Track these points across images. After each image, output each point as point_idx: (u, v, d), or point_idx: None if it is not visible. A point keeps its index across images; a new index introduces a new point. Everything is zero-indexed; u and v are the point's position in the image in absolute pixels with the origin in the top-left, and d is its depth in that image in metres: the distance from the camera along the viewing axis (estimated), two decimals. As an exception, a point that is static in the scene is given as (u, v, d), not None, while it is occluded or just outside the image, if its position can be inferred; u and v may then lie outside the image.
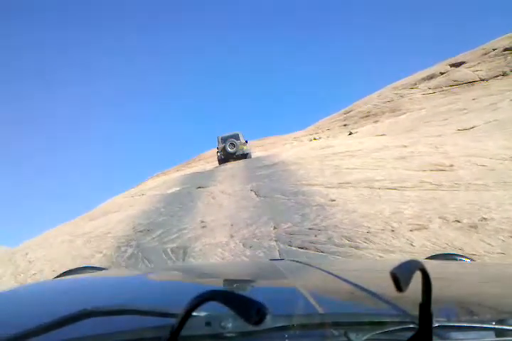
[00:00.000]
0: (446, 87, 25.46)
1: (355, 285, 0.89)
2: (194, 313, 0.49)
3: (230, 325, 0.59)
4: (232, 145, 16.67)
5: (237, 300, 0.44)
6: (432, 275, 0.50)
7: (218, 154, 17.34)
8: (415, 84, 28.50)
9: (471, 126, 11.81)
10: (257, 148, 30.31)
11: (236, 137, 17.12)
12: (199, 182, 10.25)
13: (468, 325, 0.63)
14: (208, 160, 30.66)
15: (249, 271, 1.38)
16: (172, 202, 8.41)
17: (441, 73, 27.48)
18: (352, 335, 0.59)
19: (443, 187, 5.98)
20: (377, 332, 0.60)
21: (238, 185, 8.66)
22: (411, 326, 0.60)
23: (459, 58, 27.13)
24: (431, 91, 26.10)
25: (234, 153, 16.54)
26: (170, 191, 10.00)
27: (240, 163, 13.97)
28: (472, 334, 0.62)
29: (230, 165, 14.31)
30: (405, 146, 9.32)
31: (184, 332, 0.50)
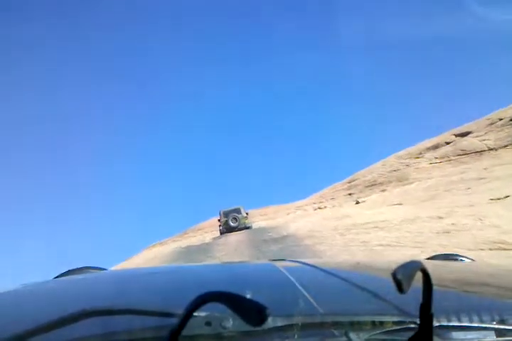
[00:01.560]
0: (453, 156, 24.49)
1: (356, 284, 0.89)
2: (194, 313, 0.48)
3: (230, 325, 0.58)
4: (235, 219, 17.35)
5: (239, 301, 0.44)
6: (432, 275, 0.51)
7: (221, 228, 17.88)
8: (420, 153, 27.63)
9: (504, 195, 10.34)
10: (258, 217, 28.70)
11: (238, 211, 17.85)
12: (193, 259, 8.54)
13: (468, 324, 0.63)
14: (206, 230, 29.00)
15: (250, 271, 1.34)
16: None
17: (447, 143, 26.71)
18: (352, 335, 0.59)
19: (523, 274, 4.33)
20: (378, 332, 0.60)
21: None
22: (411, 326, 0.60)
23: (464, 128, 26.52)
24: (438, 160, 25.11)
25: (236, 227, 17.00)
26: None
27: (242, 235, 12.34)
28: (473, 334, 0.61)
29: (232, 236, 12.64)
30: (441, 218, 7.77)
31: (184, 332, 0.49)
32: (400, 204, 12.69)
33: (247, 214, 18.34)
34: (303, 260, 1.42)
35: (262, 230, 12.87)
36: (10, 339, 0.58)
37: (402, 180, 24.18)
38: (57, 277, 1.58)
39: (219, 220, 18.54)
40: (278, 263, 1.35)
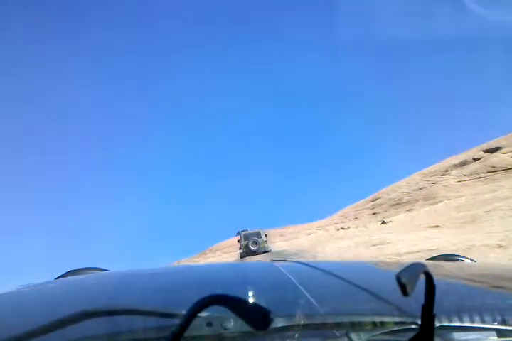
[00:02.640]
0: (483, 173, 23.09)
1: (357, 285, 0.88)
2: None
3: (231, 326, 0.58)
4: (255, 243, 17.45)
5: (242, 305, 0.44)
6: (434, 275, 0.51)
7: (241, 251, 18.16)
8: (446, 170, 26.25)
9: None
10: (278, 238, 27.49)
11: (258, 235, 17.99)
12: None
13: (469, 325, 0.62)
14: (224, 250, 27.94)
15: (251, 272, 1.29)
16: None
17: (475, 159, 25.34)
18: (353, 335, 0.58)
19: None
20: (379, 333, 0.60)
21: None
22: (412, 326, 0.60)
23: (492, 144, 25.13)
24: (466, 177, 23.73)
25: (256, 251, 17.25)
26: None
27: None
28: (474, 335, 0.61)
29: (253, 262, 11.50)
30: (502, 246, 6.57)
31: (186, 333, 0.48)
32: (437, 226, 11.37)
33: (265, 235, 18.42)
34: (304, 260, 1.46)
35: (285, 255, 11.72)
36: (11, 339, 0.57)
37: (430, 198, 22.82)
38: (58, 277, 1.54)
39: (239, 241, 18.73)
40: (279, 264, 1.30)
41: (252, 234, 18.20)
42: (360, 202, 30.17)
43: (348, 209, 29.86)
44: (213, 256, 26.54)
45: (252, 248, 17.38)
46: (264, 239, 18.03)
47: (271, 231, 30.23)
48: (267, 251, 17.32)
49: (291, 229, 30.81)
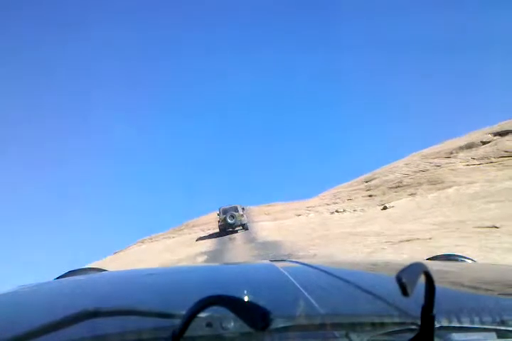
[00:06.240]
0: (495, 158, 20.23)
1: (357, 286, 0.86)
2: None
3: (231, 326, 0.57)
4: (232, 217, 18.73)
5: (242, 305, 0.43)
6: (433, 275, 0.50)
7: (219, 224, 19.39)
8: (451, 153, 23.36)
9: None
10: (263, 217, 24.47)
11: (235, 209, 19.31)
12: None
13: (469, 326, 0.61)
14: (202, 227, 24.78)
15: (251, 272, 1.28)
16: None
17: (483, 142, 22.45)
18: (353, 336, 0.58)
19: None
20: (379, 333, 0.59)
21: None
22: (412, 327, 0.59)
23: (503, 126, 22.18)
24: (476, 162, 20.88)
25: (233, 224, 18.83)
26: None
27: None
28: (473, 336, 0.60)
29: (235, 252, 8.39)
30: None
31: (186, 333, 0.49)
32: (494, 227, 8.21)
33: (243, 209, 19.77)
34: (303, 260, 1.34)
35: (275, 246, 8.56)
36: (11, 340, 0.57)
37: (436, 182, 19.93)
38: (58, 278, 1.51)
39: (218, 214, 19.70)
40: (278, 264, 1.28)
41: (230, 209, 19.39)
42: (353, 181, 27.20)
43: (340, 188, 26.88)
44: (189, 233, 23.41)
45: (229, 221, 18.64)
46: (241, 212, 19.35)
47: (255, 209, 27.15)
48: (243, 225, 19.08)
49: (277, 206, 27.75)
